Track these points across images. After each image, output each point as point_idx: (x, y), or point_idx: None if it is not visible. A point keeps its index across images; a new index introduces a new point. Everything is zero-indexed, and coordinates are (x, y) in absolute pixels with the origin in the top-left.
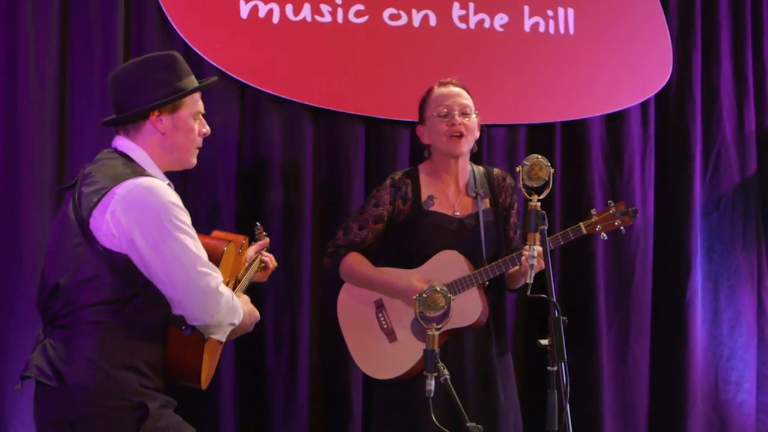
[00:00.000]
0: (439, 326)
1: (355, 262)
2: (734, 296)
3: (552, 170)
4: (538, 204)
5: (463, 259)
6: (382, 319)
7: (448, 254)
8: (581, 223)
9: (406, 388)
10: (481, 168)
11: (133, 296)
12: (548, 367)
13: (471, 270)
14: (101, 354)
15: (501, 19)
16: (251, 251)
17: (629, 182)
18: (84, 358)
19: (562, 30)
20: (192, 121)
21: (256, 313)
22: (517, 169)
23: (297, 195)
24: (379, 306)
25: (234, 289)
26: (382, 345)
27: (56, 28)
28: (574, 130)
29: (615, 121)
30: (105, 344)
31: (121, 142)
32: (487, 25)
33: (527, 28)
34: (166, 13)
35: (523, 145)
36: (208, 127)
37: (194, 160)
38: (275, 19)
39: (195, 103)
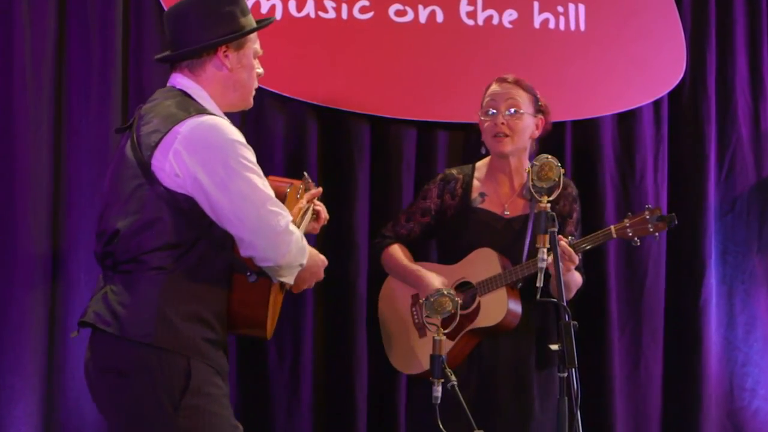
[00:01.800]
0: (446, 330)
1: (395, 253)
2: (749, 300)
3: (562, 171)
4: (548, 205)
5: (496, 258)
6: (415, 313)
7: (482, 252)
8: (612, 227)
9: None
10: (528, 168)
11: (197, 240)
12: (559, 373)
13: (503, 270)
14: (165, 302)
15: (510, 15)
16: (303, 201)
17: (641, 183)
18: (147, 306)
19: (572, 26)
20: (253, 59)
21: (322, 258)
22: (527, 169)
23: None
24: (415, 300)
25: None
26: (412, 339)
27: (53, 26)
28: (585, 129)
29: (627, 120)
30: (169, 291)
31: (180, 80)
32: (495, 21)
33: (537, 24)
34: (165, 9)
35: (536, 148)
36: (262, 69)
37: (252, 101)
38: (278, 15)
39: (255, 42)
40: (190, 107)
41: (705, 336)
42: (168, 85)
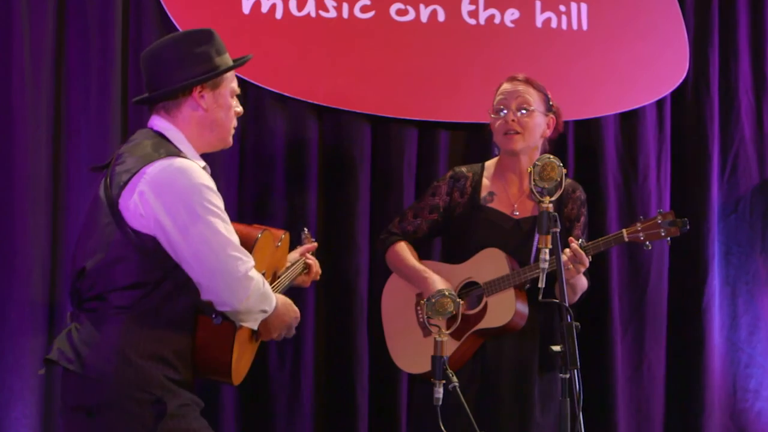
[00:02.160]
0: (448, 331)
1: (400, 251)
2: (753, 301)
3: (564, 171)
4: (550, 206)
5: (504, 258)
6: (419, 311)
7: (490, 252)
8: (624, 231)
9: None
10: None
11: (162, 280)
12: (560, 375)
13: (511, 270)
14: (126, 341)
15: (512, 15)
16: (296, 253)
17: (644, 183)
18: (108, 345)
19: (575, 26)
20: (230, 98)
21: (295, 309)
22: (528, 169)
23: (301, 196)
24: (420, 298)
25: (270, 285)
26: (416, 338)
27: (51, 25)
28: (587, 129)
29: (629, 120)
30: (131, 330)
31: (158, 122)
32: (497, 20)
33: (539, 23)
34: (165, 8)
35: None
36: (241, 107)
37: (231, 140)
38: (278, 14)
39: (232, 81)
40: (162, 149)
41: (708, 337)
42: (147, 126)
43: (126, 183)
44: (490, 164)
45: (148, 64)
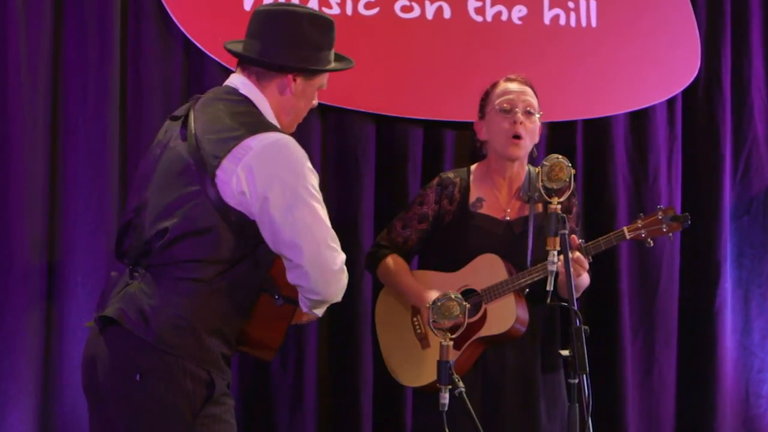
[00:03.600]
0: (453, 336)
1: (392, 265)
2: (766, 304)
3: (573, 171)
4: (558, 207)
5: (501, 263)
6: (416, 324)
7: (487, 258)
8: (625, 228)
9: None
10: (538, 169)
11: (242, 258)
12: (569, 380)
13: (509, 276)
14: (197, 314)
15: (519, 12)
16: None
17: (655, 183)
18: (177, 315)
19: (583, 23)
20: (315, 91)
21: None
22: (537, 170)
23: None
24: (416, 310)
25: None
26: (415, 351)
27: (49, 22)
28: (597, 128)
29: (640, 119)
30: (203, 304)
31: (246, 85)
32: (504, 17)
33: (547, 20)
34: (165, 4)
35: (543, 144)
36: (317, 101)
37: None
38: None
39: (325, 78)
40: (260, 120)
41: (720, 341)
42: (229, 84)
43: (226, 154)
44: (476, 168)
45: (262, 24)
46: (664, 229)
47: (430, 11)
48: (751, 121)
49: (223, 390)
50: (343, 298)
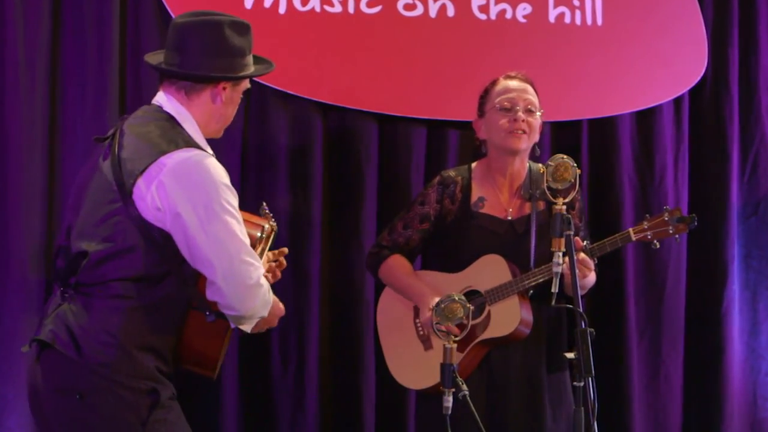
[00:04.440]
0: (457, 338)
1: (394, 266)
2: None
3: (578, 171)
4: (564, 207)
5: (505, 264)
6: (419, 325)
7: (490, 258)
8: (630, 230)
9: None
10: (538, 166)
11: (167, 275)
12: (574, 383)
13: (512, 276)
14: (125, 331)
15: (524, 9)
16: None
17: (661, 184)
18: (106, 333)
19: (589, 21)
20: (240, 95)
21: (281, 305)
22: (541, 170)
23: (305, 198)
24: (418, 312)
25: None
26: (417, 352)
27: (47, 19)
28: (602, 128)
29: (646, 118)
30: (130, 322)
31: (171, 102)
32: (509, 15)
33: (552, 18)
34: (164, 2)
35: (548, 144)
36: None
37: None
38: (282, 9)
39: (248, 80)
40: (179, 138)
41: (727, 344)
42: (155, 102)
43: (142, 172)
44: (477, 166)
45: (181, 36)
46: (671, 231)
47: (433, 9)
48: (759, 121)
49: (169, 395)
50: (346, 300)
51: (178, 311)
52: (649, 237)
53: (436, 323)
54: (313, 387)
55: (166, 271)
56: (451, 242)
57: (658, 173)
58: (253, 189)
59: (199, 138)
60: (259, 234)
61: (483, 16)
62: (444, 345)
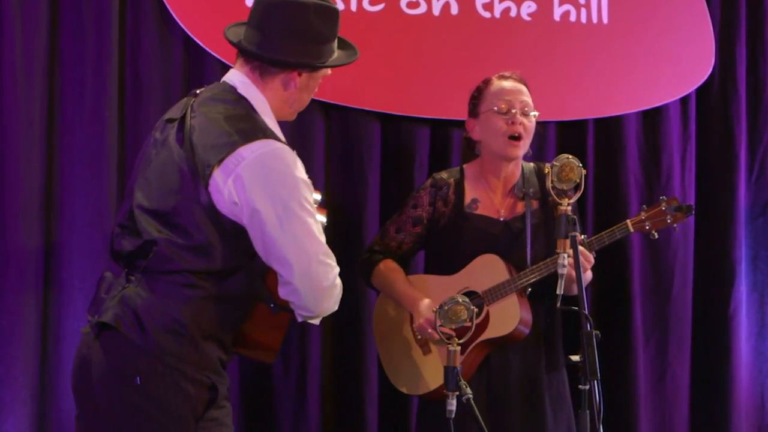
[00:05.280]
0: (460, 341)
1: (386, 271)
2: None
3: (584, 171)
4: (569, 208)
5: (502, 263)
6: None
7: (486, 258)
8: (628, 221)
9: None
10: (531, 165)
11: (237, 269)
12: (580, 386)
13: (510, 276)
14: (194, 320)
15: (528, 7)
16: None
17: (668, 184)
18: (175, 321)
19: (594, 19)
20: (319, 82)
21: None
22: (546, 170)
23: None
24: None
25: None
26: (415, 358)
27: (45, 18)
28: (608, 127)
29: (652, 118)
30: (199, 311)
31: (244, 85)
32: (513, 13)
33: (557, 16)
34: (164, 1)
35: (553, 144)
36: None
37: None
38: None
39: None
40: (256, 126)
41: (735, 346)
42: (228, 81)
43: (220, 162)
44: (469, 167)
45: (268, 13)
46: (669, 220)
47: (436, 7)
48: (767, 120)
49: (225, 394)
50: (348, 303)
51: (246, 304)
52: (647, 227)
53: (440, 326)
54: (315, 391)
55: (237, 266)
56: (446, 244)
57: (665, 173)
58: None
59: (273, 125)
60: (326, 220)
61: (487, 14)
62: (448, 348)
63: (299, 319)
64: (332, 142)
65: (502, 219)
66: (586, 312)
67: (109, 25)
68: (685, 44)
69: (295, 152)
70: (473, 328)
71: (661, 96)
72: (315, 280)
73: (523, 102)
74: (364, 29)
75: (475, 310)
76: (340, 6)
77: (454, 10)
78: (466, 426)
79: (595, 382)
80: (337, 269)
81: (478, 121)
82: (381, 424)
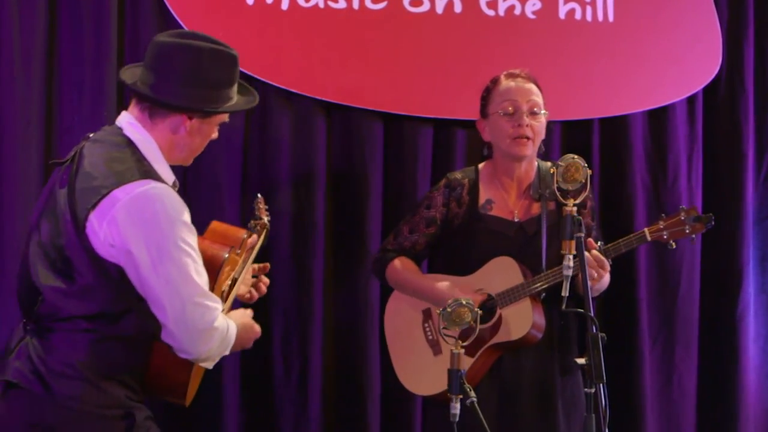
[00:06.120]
0: (464, 343)
1: (401, 267)
2: None
3: (589, 172)
4: (574, 209)
5: (516, 266)
6: (428, 329)
7: (501, 261)
8: (646, 229)
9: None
10: (548, 164)
11: (127, 311)
12: (585, 389)
13: (524, 279)
14: (89, 364)
15: (533, 5)
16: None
17: (674, 185)
18: (70, 366)
19: (600, 17)
20: (215, 128)
21: (257, 328)
22: (552, 170)
23: (308, 199)
24: (427, 316)
25: (229, 291)
26: (426, 358)
27: (43, 16)
28: (614, 127)
29: (659, 117)
30: (94, 354)
31: (132, 126)
32: (517, 11)
33: (562, 15)
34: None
35: (558, 144)
36: (217, 133)
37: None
38: (284, 5)
39: (227, 115)
40: (135, 167)
41: (742, 348)
42: (117, 124)
43: (95, 205)
44: (483, 167)
45: (162, 56)
46: (687, 231)
47: (440, 5)
48: None
49: (146, 414)
50: (350, 304)
51: (143, 344)
52: (665, 237)
53: (443, 328)
54: (317, 394)
55: (125, 308)
56: (459, 246)
57: (672, 174)
58: (254, 190)
59: (160, 166)
60: (225, 255)
61: (491, 13)
62: (451, 350)
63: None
64: (334, 142)
65: (516, 220)
66: (592, 314)
67: (108, 24)
68: (692, 43)
69: (174, 194)
70: (477, 331)
71: (667, 95)
72: (190, 323)
73: (530, 102)
74: (366, 28)
75: (480, 312)
76: (342, 4)
77: (458, 8)
78: (475, 428)
79: (601, 385)
80: (218, 310)
81: (488, 123)
82: (383, 427)
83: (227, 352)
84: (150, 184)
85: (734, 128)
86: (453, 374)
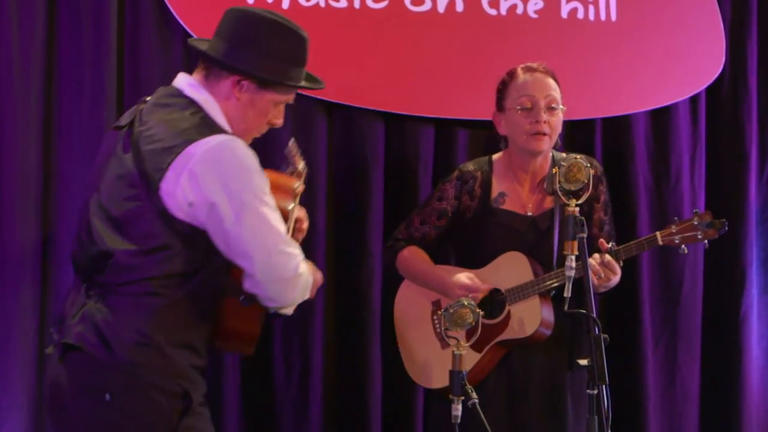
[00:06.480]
0: (467, 343)
1: (411, 256)
2: None
3: (592, 172)
4: (577, 209)
5: (527, 262)
6: (436, 321)
7: (511, 256)
8: (657, 233)
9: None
10: (563, 155)
11: (199, 269)
12: (588, 390)
13: (534, 275)
14: (158, 329)
15: (535, 5)
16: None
17: (677, 185)
18: (138, 332)
19: (603, 16)
20: (271, 106)
21: (318, 275)
22: (554, 170)
23: (309, 199)
24: (436, 307)
25: None
26: (433, 350)
27: (42, 15)
28: (616, 127)
29: (661, 117)
30: (163, 319)
31: (192, 87)
32: (519, 10)
33: (564, 14)
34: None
35: (560, 143)
36: (281, 120)
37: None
38: (285, 4)
39: (286, 93)
40: (203, 124)
41: (745, 350)
42: (174, 85)
43: (168, 165)
44: (497, 159)
45: (234, 22)
46: (700, 236)
47: (441, 4)
48: None
49: (200, 400)
50: (351, 304)
51: (212, 303)
52: (677, 242)
53: (445, 329)
54: (317, 396)
55: (197, 267)
56: (471, 239)
57: (674, 174)
58: None
59: (224, 123)
60: (290, 206)
61: (493, 12)
62: (453, 352)
63: (270, 311)
64: (335, 142)
65: (529, 214)
66: (594, 315)
67: (108, 23)
68: (695, 42)
69: (245, 145)
70: (479, 332)
71: (670, 95)
72: (276, 272)
73: (549, 97)
74: (367, 27)
75: (481, 313)
76: (343, 3)
77: (460, 7)
78: (477, 430)
79: (604, 386)
80: (300, 257)
81: (504, 116)
82: (385, 428)
83: (308, 296)
84: (222, 137)
85: (737, 128)
86: (455, 376)
